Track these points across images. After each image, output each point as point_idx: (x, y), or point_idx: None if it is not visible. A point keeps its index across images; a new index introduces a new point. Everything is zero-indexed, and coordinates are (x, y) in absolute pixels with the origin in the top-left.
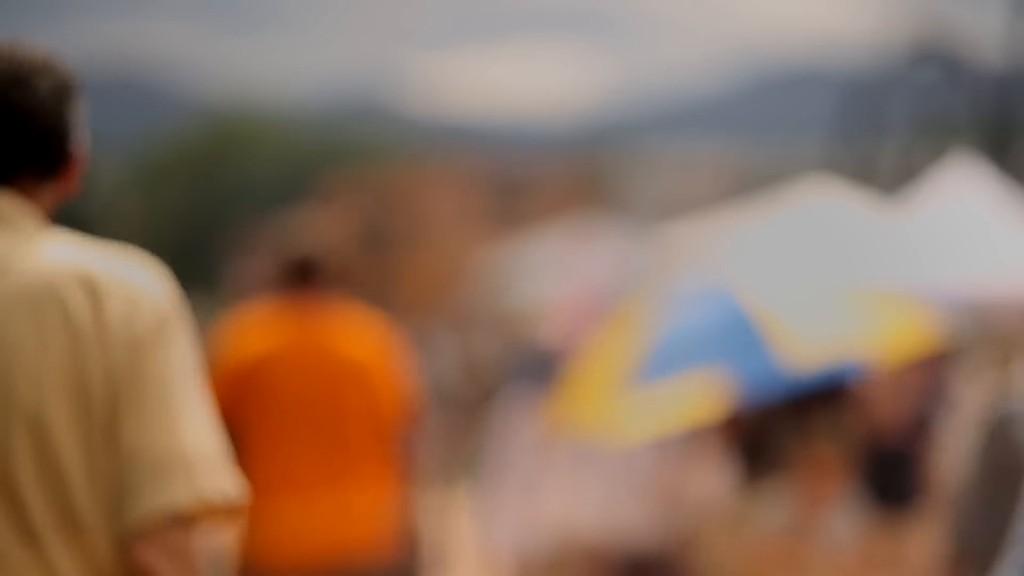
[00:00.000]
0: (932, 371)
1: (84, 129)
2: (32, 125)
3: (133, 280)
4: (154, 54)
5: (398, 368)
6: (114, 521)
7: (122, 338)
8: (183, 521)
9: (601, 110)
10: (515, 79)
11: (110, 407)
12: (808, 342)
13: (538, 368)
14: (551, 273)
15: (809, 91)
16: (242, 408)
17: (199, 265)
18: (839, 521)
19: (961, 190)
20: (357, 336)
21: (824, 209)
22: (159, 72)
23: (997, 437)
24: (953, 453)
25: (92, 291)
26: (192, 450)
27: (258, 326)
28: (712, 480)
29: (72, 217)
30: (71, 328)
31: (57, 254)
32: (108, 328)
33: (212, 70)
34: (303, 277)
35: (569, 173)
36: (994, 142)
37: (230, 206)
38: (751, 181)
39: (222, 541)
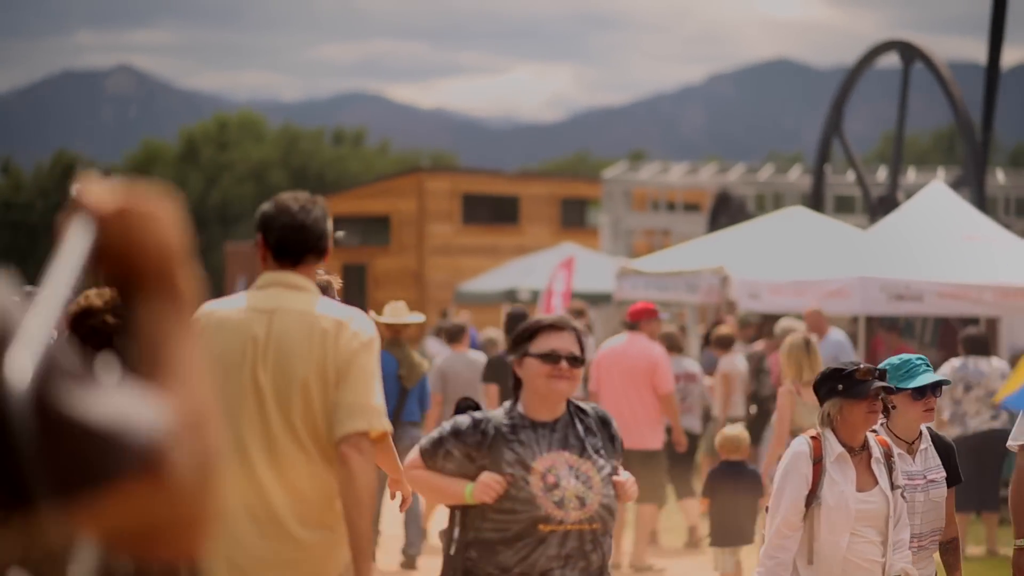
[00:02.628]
0: None
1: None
2: (312, 232)
3: (352, 322)
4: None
5: None
6: (331, 435)
7: (345, 350)
8: (363, 436)
9: (582, 125)
10: (503, 93)
11: (336, 383)
12: None
13: None
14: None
15: (787, 100)
16: None
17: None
18: None
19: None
20: None
21: (809, 221)
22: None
23: None
24: None
25: (337, 325)
26: (370, 403)
27: None
28: None
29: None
30: (324, 344)
31: (322, 307)
32: (339, 345)
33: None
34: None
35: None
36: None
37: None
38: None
39: None
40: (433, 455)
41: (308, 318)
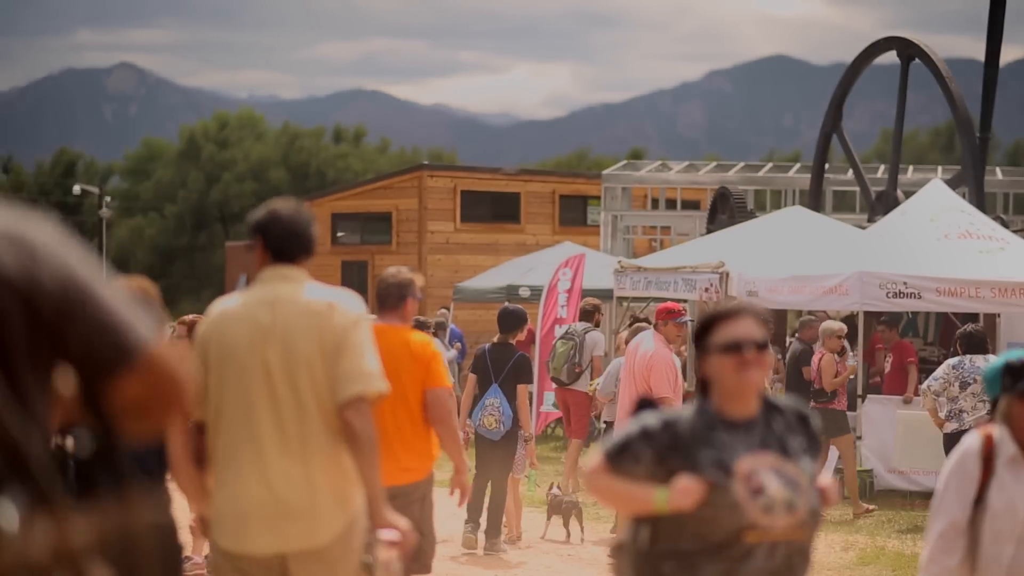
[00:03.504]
0: None
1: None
2: (304, 237)
3: (344, 303)
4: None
5: None
6: (333, 401)
7: (338, 327)
8: (362, 399)
9: (580, 123)
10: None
11: (334, 355)
12: None
13: None
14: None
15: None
16: None
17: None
18: None
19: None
20: None
21: (806, 219)
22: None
23: None
24: None
25: (329, 307)
26: (364, 369)
27: None
28: None
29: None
30: (320, 324)
31: (313, 293)
32: (334, 324)
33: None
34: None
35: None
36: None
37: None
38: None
39: None
40: (619, 459)
41: (304, 303)
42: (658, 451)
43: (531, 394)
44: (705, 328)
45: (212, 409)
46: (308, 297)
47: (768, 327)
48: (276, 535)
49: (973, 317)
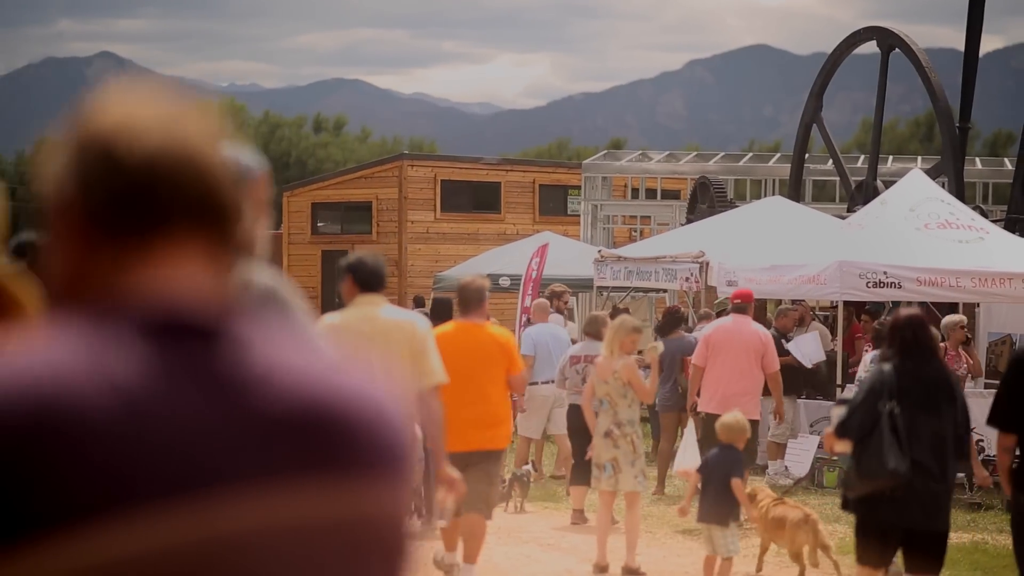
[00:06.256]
0: None
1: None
2: (382, 275)
3: (417, 320)
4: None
5: None
6: (414, 386)
7: (418, 339)
8: (435, 388)
9: (560, 112)
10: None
11: (418, 357)
12: None
13: None
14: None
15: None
16: None
17: None
18: None
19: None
20: None
21: (784, 209)
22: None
23: None
24: None
25: (411, 324)
26: (435, 369)
27: None
28: None
29: None
30: (406, 335)
31: (395, 313)
32: (415, 336)
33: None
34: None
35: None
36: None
37: None
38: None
39: None
40: None
41: (392, 320)
42: None
43: None
44: None
45: None
46: (392, 316)
47: None
48: None
49: (953, 307)
